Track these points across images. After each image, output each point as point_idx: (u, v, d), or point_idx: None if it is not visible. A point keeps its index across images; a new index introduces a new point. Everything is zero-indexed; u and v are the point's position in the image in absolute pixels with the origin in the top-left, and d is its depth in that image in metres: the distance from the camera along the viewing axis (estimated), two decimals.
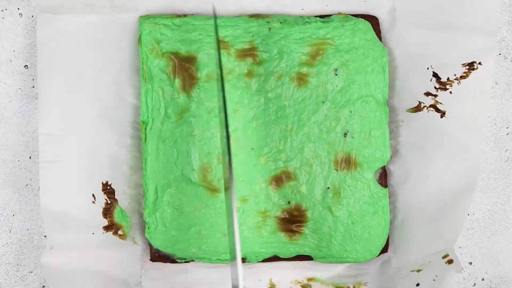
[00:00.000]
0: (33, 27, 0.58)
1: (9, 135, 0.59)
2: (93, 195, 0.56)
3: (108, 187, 0.57)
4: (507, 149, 0.60)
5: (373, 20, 0.57)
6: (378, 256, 0.57)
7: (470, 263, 0.60)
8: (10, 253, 0.59)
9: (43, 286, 0.60)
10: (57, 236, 0.55)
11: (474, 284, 0.60)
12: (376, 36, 0.56)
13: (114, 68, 0.57)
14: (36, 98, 0.58)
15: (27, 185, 0.59)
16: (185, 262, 0.57)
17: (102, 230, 0.56)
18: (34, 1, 0.56)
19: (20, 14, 0.59)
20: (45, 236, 0.59)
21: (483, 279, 0.60)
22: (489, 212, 0.60)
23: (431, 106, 0.56)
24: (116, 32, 0.57)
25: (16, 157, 0.59)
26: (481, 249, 0.60)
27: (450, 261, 0.54)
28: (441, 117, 0.56)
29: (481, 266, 0.60)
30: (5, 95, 0.59)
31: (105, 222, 0.56)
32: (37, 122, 0.56)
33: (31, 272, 0.59)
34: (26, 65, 0.59)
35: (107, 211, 0.57)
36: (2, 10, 0.58)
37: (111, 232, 0.57)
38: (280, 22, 0.56)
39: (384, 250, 0.57)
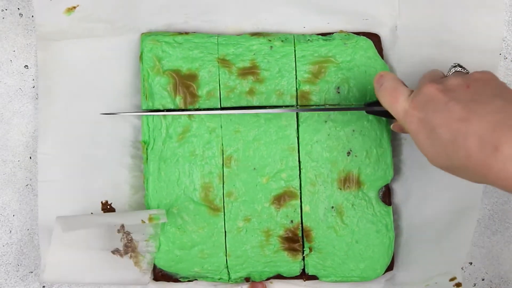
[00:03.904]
0: (33, 27, 0.58)
1: (9, 135, 0.59)
2: (92, 214, 0.56)
3: (108, 207, 0.57)
4: None
5: (374, 38, 0.57)
6: (383, 274, 0.57)
7: (470, 263, 0.60)
8: (10, 253, 0.59)
9: (43, 286, 0.59)
10: (54, 256, 0.55)
11: (474, 284, 0.60)
12: (377, 54, 0.56)
13: (115, 87, 0.57)
14: (36, 98, 0.58)
15: (27, 185, 0.59)
16: (188, 281, 0.57)
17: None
18: (34, 1, 0.56)
19: (20, 14, 0.58)
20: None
21: (483, 279, 0.59)
22: (489, 212, 0.59)
23: None
24: (117, 52, 0.57)
25: (16, 157, 0.59)
26: (481, 249, 0.60)
27: (458, 284, 0.54)
28: None
29: (481, 266, 0.60)
30: (5, 95, 0.59)
31: None
32: (38, 137, 0.56)
33: (31, 272, 0.59)
34: (26, 65, 0.59)
35: None
36: (2, 10, 0.58)
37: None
38: (282, 41, 0.55)
39: (389, 268, 0.57)
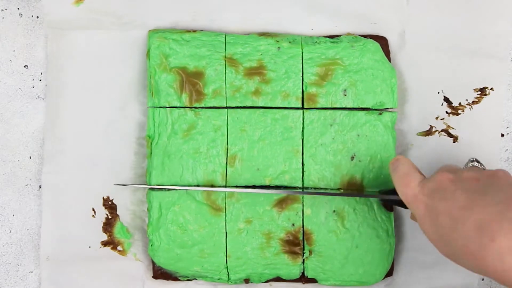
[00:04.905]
0: (33, 27, 0.58)
1: (9, 135, 0.59)
2: (93, 209, 0.56)
3: (110, 202, 0.57)
4: (507, 149, 0.59)
5: (382, 41, 0.56)
6: (382, 279, 0.56)
7: None
8: (10, 253, 0.59)
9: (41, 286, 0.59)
10: (53, 247, 0.56)
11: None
12: (385, 57, 0.56)
13: (121, 84, 0.57)
14: (36, 98, 0.58)
15: (27, 185, 0.59)
16: (187, 280, 0.57)
17: (99, 245, 0.56)
18: (34, 1, 0.56)
19: (20, 14, 0.58)
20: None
21: (483, 279, 0.59)
22: None
23: (443, 130, 0.56)
24: (125, 48, 0.57)
25: (16, 157, 0.59)
26: None
27: None
28: (454, 142, 0.56)
29: None
30: (5, 95, 0.59)
31: (104, 237, 0.57)
32: (42, 130, 0.56)
33: (31, 272, 0.59)
34: (26, 65, 0.59)
35: (107, 226, 0.57)
36: (2, 10, 0.58)
37: (110, 247, 0.57)
38: (289, 42, 0.55)
39: (389, 273, 0.56)
